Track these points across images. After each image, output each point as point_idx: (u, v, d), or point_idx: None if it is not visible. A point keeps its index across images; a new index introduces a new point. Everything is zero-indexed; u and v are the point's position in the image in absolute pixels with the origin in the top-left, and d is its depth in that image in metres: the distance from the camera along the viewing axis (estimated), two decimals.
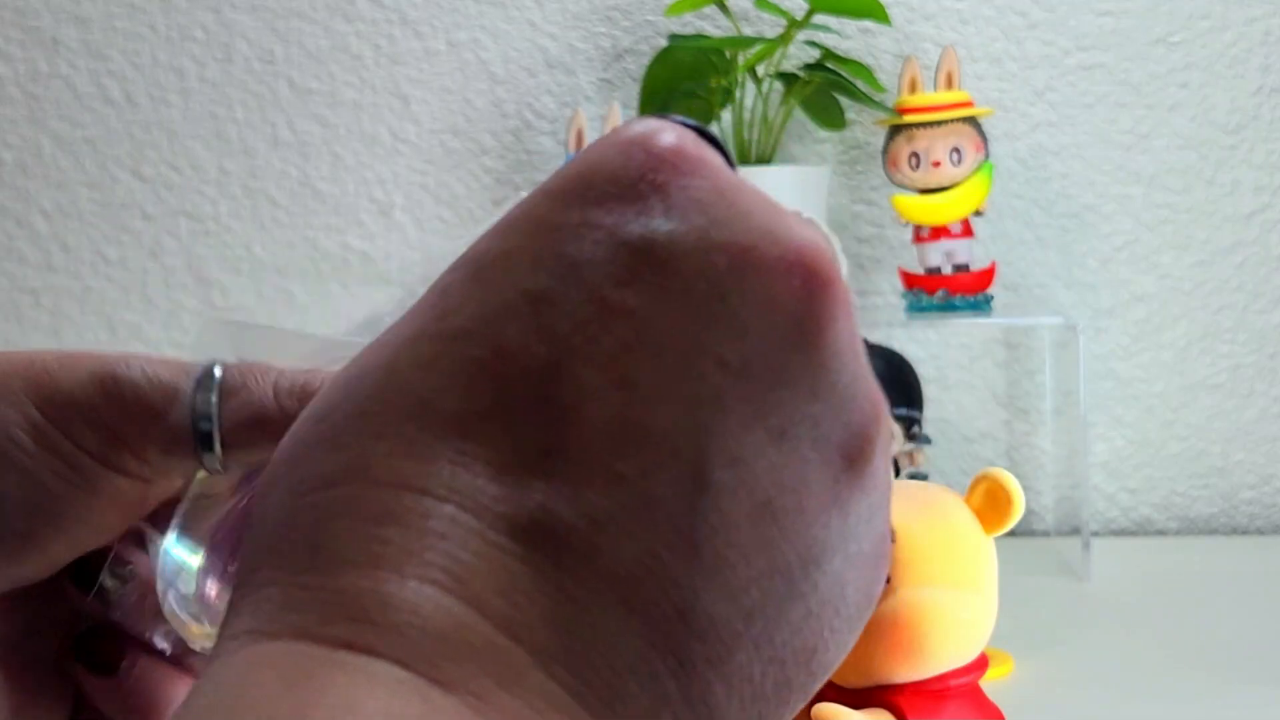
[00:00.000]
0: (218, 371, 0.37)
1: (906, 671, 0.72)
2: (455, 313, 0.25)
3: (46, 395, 0.37)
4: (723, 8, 1.29)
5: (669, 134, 0.26)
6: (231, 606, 0.24)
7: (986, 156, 1.26)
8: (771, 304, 0.25)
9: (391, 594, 0.23)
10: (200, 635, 0.39)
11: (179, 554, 0.38)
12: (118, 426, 0.37)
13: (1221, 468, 1.36)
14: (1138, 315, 1.37)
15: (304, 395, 0.37)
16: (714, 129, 1.32)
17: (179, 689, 0.40)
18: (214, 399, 0.37)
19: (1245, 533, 1.36)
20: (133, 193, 1.45)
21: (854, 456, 0.26)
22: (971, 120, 1.26)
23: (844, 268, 0.28)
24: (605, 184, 0.26)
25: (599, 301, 0.25)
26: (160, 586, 0.38)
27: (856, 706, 0.71)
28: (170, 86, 1.44)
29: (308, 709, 0.21)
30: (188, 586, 0.38)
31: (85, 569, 0.40)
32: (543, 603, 0.23)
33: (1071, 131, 1.36)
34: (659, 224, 0.25)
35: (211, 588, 0.38)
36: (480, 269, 0.26)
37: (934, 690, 0.73)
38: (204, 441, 0.37)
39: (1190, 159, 1.36)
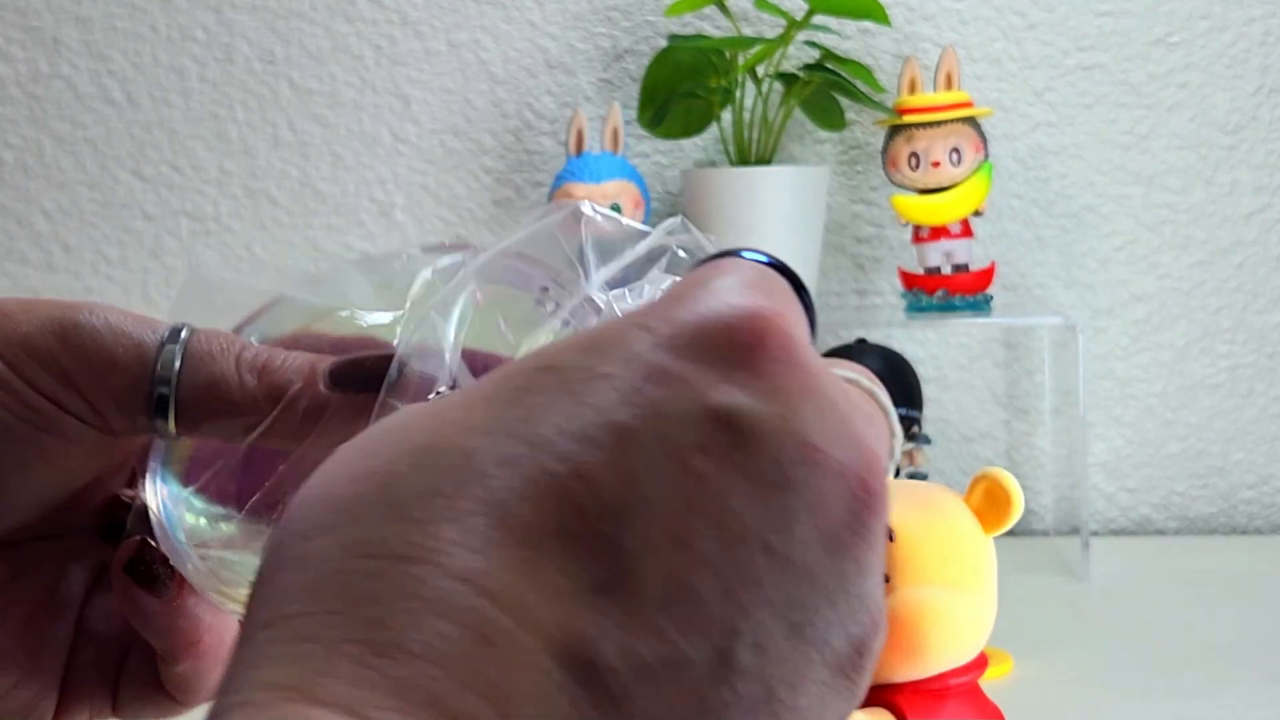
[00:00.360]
0: (184, 334, 0.37)
1: (906, 671, 0.72)
2: (539, 420, 0.25)
3: (2, 335, 0.37)
4: (723, 8, 1.30)
5: (771, 312, 0.27)
6: (253, 642, 0.24)
7: (986, 157, 1.26)
8: (821, 506, 0.26)
9: (444, 696, 0.23)
10: (217, 596, 0.39)
11: (177, 518, 0.39)
12: (73, 372, 0.37)
13: (1220, 467, 1.36)
14: (1137, 315, 1.37)
15: (264, 372, 0.37)
16: (715, 130, 1.32)
17: (220, 619, 0.40)
18: (176, 364, 0.37)
19: (1244, 532, 1.36)
20: (133, 193, 1.45)
21: (847, 669, 0.27)
22: (971, 120, 1.26)
23: (898, 436, 0.30)
24: (708, 344, 0.26)
25: (677, 459, 0.25)
26: (164, 543, 0.39)
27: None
28: (171, 87, 1.44)
29: None
30: (189, 553, 0.38)
31: (113, 521, 0.41)
32: None
33: (1071, 131, 1.37)
34: (745, 401, 0.26)
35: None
36: (570, 383, 0.26)
37: (933, 689, 0.73)
38: (159, 406, 0.37)
39: (1190, 159, 1.36)
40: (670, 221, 0.37)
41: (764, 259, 0.29)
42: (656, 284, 0.36)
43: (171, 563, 0.39)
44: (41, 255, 1.46)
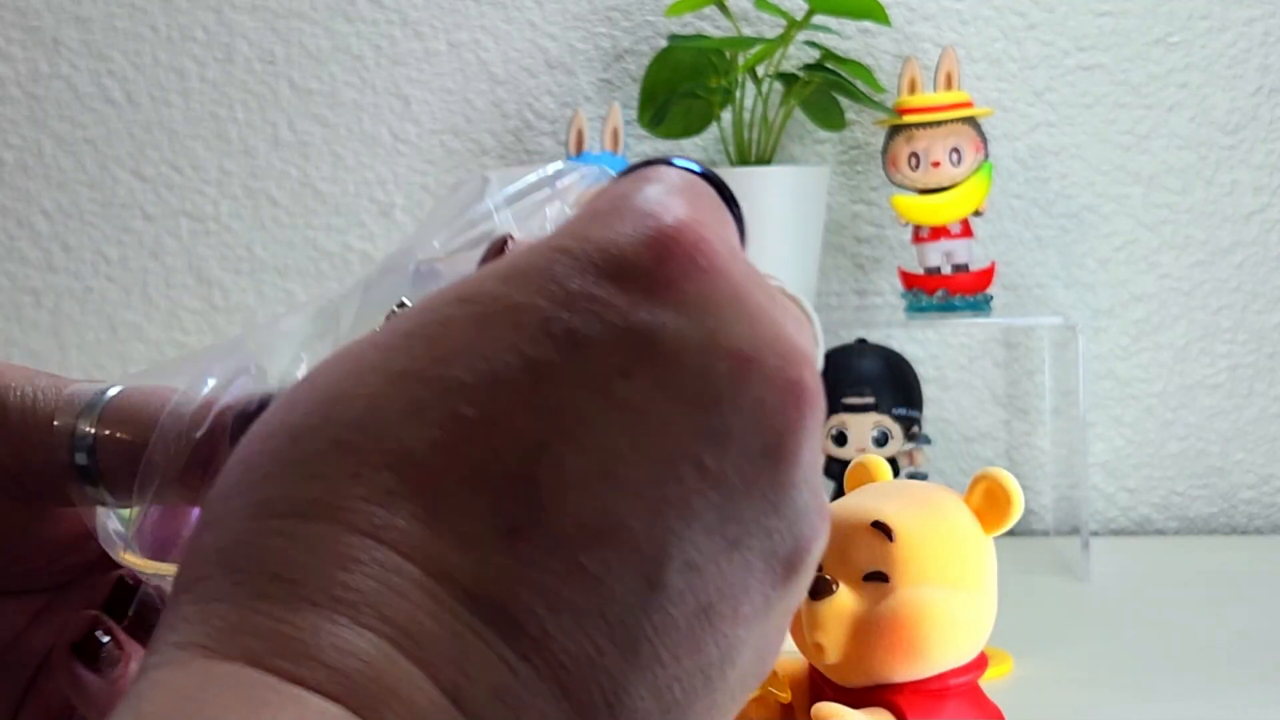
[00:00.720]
0: (105, 398, 0.37)
1: (906, 671, 0.72)
2: (452, 360, 0.25)
3: None
4: (723, 8, 1.30)
5: (691, 221, 0.26)
6: (175, 606, 0.24)
7: (986, 157, 1.26)
8: (759, 416, 0.25)
9: (348, 641, 0.23)
10: (133, 562, 0.39)
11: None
12: None
13: (1220, 467, 1.36)
14: (1137, 315, 1.37)
15: (179, 418, 0.36)
16: (715, 130, 1.32)
17: None
18: (95, 429, 0.36)
19: (1244, 532, 1.36)
20: (133, 193, 1.45)
21: (793, 570, 0.26)
22: (971, 120, 1.26)
23: (821, 344, 0.29)
24: (628, 263, 0.25)
25: (598, 387, 0.25)
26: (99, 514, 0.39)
27: (856, 706, 0.72)
28: (171, 87, 1.44)
29: None
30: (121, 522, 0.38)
31: (119, 593, 0.40)
32: (489, 676, 0.23)
33: (1071, 131, 1.37)
34: (668, 318, 0.25)
35: (147, 525, 0.38)
36: (484, 315, 0.25)
37: (933, 689, 0.73)
38: (83, 473, 0.37)
39: (1189, 159, 1.36)
40: (587, 167, 0.36)
41: (695, 168, 0.28)
42: (566, 193, 0.35)
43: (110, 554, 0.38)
44: (41, 255, 1.46)
